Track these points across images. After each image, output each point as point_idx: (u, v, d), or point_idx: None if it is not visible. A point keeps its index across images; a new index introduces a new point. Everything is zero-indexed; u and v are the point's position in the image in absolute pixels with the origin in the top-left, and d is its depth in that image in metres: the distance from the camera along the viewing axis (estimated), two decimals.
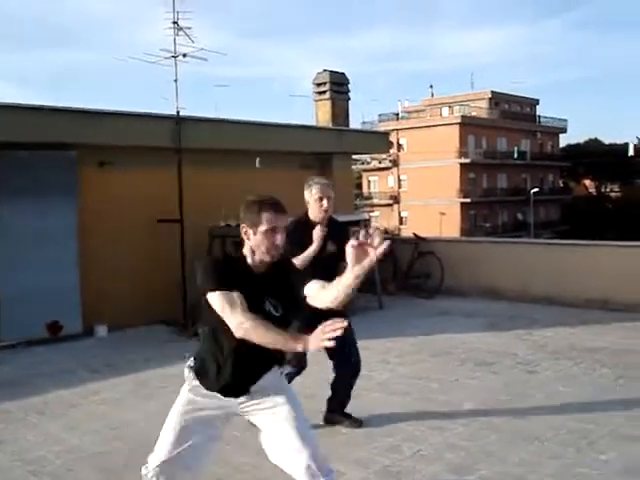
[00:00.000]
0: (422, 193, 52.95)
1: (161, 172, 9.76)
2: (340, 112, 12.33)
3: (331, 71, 12.42)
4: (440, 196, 51.75)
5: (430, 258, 12.00)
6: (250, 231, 3.21)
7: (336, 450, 4.86)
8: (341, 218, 11.01)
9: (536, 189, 53.36)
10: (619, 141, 66.65)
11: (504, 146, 56.94)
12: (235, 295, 3.04)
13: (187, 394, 3.36)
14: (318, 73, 12.53)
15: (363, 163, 60.69)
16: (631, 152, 53.62)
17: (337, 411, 5.52)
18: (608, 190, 67.73)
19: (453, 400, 6.19)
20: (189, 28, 9.55)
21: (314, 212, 5.19)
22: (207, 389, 3.31)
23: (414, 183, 54.62)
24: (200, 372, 3.33)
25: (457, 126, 52.73)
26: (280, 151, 11.36)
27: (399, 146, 55.93)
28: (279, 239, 3.19)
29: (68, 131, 8.88)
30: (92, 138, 9.07)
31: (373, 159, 59.07)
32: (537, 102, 62.69)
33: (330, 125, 12.23)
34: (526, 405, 6.03)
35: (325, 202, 5.14)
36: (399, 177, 56.54)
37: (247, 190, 10.98)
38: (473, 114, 56.04)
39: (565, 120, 64.74)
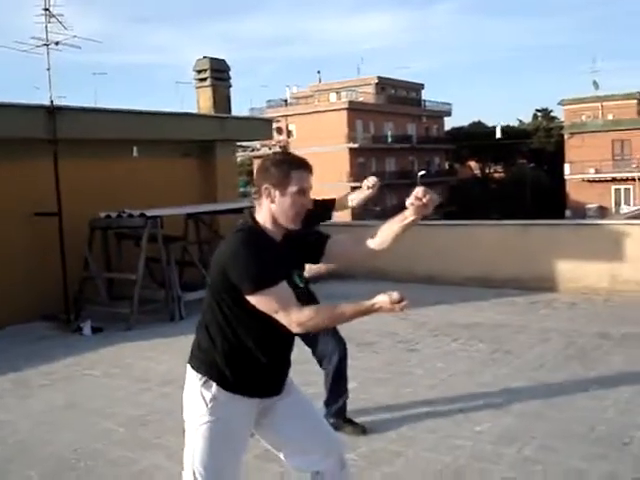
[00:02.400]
0: (313, 179, 53.17)
1: (36, 164, 9.42)
2: (221, 99, 12.25)
3: (211, 58, 12.31)
4: (331, 181, 52.21)
5: None
6: (276, 192, 2.78)
7: None
8: (223, 207, 11.13)
9: (423, 172, 54.60)
10: (502, 123, 69.23)
11: (391, 130, 57.97)
12: (284, 288, 2.68)
13: (221, 419, 2.79)
14: (198, 60, 12.39)
15: (253, 150, 60.50)
16: (498, 134, 55.74)
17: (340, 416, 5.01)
18: (492, 171, 70.12)
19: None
20: (61, 15, 9.28)
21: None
22: (249, 395, 2.84)
23: None
24: (231, 379, 2.80)
25: (345, 111, 53.23)
26: (161, 139, 11.20)
27: (288, 132, 56.06)
28: (309, 202, 2.85)
29: None
30: None
31: (263, 145, 58.94)
32: (422, 87, 64.07)
33: (212, 112, 12.14)
34: (405, 381, 6.23)
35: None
36: None
37: (128, 180, 10.83)
38: (360, 99, 56.75)
39: (450, 104, 66.57)
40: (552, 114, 68.96)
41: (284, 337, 2.83)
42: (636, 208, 39.91)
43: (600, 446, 4.56)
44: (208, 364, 2.81)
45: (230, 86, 12.49)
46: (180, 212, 10.16)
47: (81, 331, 8.93)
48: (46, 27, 9.12)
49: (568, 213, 48.14)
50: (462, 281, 10.88)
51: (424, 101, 63.42)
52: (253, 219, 2.83)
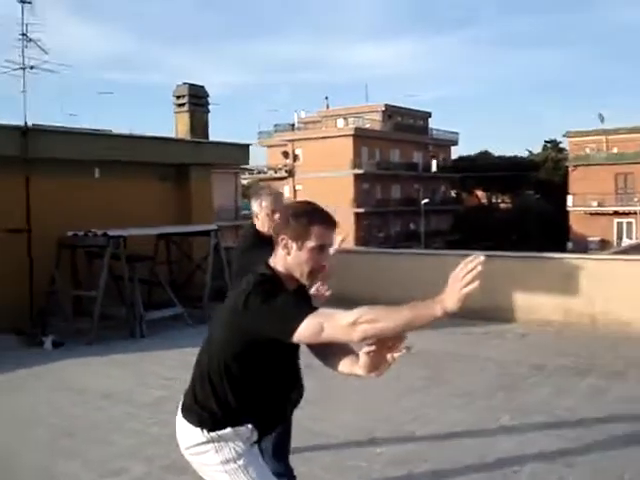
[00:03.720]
0: (318, 203, 53.50)
1: (7, 182, 9.77)
2: (199, 124, 12.62)
3: (190, 84, 12.72)
4: (335, 206, 52.53)
5: None
6: (293, 245, 2.65)
7: None
8: (192, 229, 11.46)
9: (426, 200, 54.87)
10: (508, 154, 69.58)
11: (397, 158, 58.39)
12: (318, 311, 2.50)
13: (244, 454, 2.71)
14: (178, 86, 12.81)
15: (259, 172, 61.05)
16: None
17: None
18: (499, 201, 70.33)
19: None
20: (39, 40, 9.68)
21: (264, 225, 4.44)
22: (258, 434, 2.76)
23: (309, 193, 55.19)
24: (244, 423, 2.69)
25: (351, 137, 53.73)
26: (136, 162, 11.54)
27: (295, 156, 56.59)
28: (326, 259, 2.70)
29: None
30: None
31: (269, 169, 59.51)
32: (429, 115, 64.52)
33: (188, 137, 12.50)
34: (334, 404, 6.46)
35: (277, 216, 4.57)
36: (294, 187, 57.08)
37: (104, 200, 11.09)
38: (367, 126, 57.24)
39: (457, 133, 66.94)
40: (561, 146, 69.21)
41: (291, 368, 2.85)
42: (637, 242, 39.94)
43: (485, 474, 4.78)
44: (211, 418, 2.68)
45: (208, 112, 12.87)
46: (146, 233, 10.48)
47: (42, 345, 9.21)
48: (22, 51, 9.51)
49: (570, 245, 48.20)
50: None
51: (431, 129, 63.84)
52: (269, 267, 2.68)
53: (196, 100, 12.63)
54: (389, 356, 2.54)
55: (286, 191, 57.87)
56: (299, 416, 5.90)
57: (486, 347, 8.97)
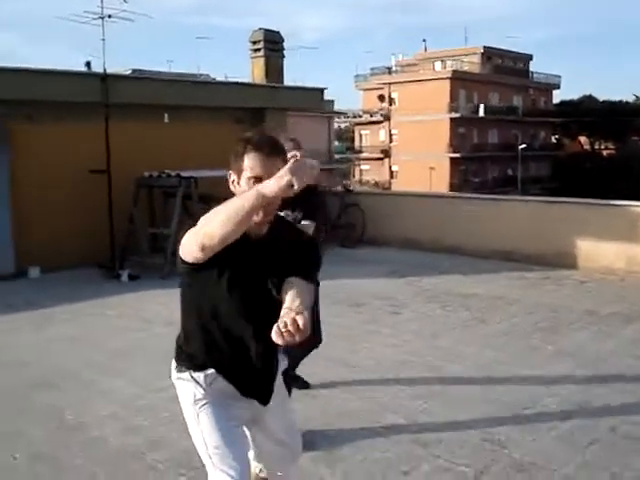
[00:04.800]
0: (413, 147, 53.30)
1: (90, 126, 10.44)
2: (274, 69, 12.94)
3: (266, 30, 13.01)
4: (430, 151, 52.10)
5: (355, 210, 12.74)
6: (236, 179, 2.49)
7: None
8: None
9: (524, 145, 53.57)
10: (614, 98, 66.73)
11: (496, 101, 57.07)
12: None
13: (205, 401, 2.67)
14: (253, 31, 13.13)
15: (355, 116, 60.96)
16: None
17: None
18: (603, 147, 67.83)
19: None
20: None
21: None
22: (219, 372, 2.68)
23: (405, 137, 54.96)
24: (200, 357, 2.68)
25: (448, 80, 52.86)
26: (214, 107, 12.01)
27: (391, 100, 56.18)
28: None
29: None
30: (21, 94, 9.75)
31: (365, 112, 59.33)
32: (530, 58, 62.51)
33: (264, 82, 12.86)
34: (368, 339, 6.82)
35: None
36: (390, 131, 56.85)
37: (176, 143, 11.67)
38: (465, 69, 56.07)
39: (559, 77, 64.72)
40: None
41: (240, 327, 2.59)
42: None
43: (493, 409, 5.06)
44: (178, 353, 2.73)
45: (283, 57, 13.16)
46: (216, 174, 10.92)
47: (120, 278, 9.94)
48: (101, 1, 10.03)
49: None
50: (488, 254, 11.21)
51: (532, 73, 61.86)
52: None
53: (271, 45, 12.94)
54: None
55: (382, 135, 57.77)
56: (335, 348, 6.36)
57: (540, 292, 9.06)
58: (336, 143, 67.51)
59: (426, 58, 58.69)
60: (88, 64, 11.75)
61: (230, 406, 2.66)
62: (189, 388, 2.65)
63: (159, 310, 8.04)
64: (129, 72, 32.19)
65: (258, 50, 12.98)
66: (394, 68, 59.88)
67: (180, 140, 11.37)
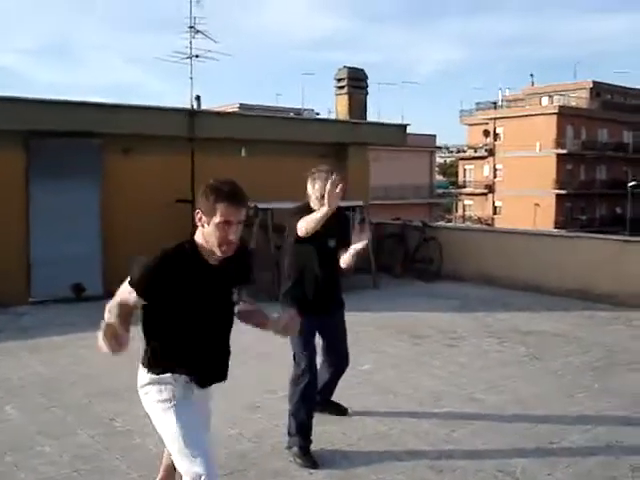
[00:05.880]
0: (517, 183, 52.63)
1: (176, 158, 11.14)
2: (357, 105, 13.37)
3: (349, 67, 13.50)
4: (536, 187, 51.29)
5: (433, 244, 12.91)
6: (204, 219, 3.03)
7: None
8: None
9: (633, 182, 51.86)
10: None
11: (605, 137, 55.64)
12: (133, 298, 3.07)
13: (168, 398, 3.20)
14: (339, 69, 13.64)
15: (459, 151, 60.80)
16: None
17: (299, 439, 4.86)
18: None
19: (357, 361, 7.20)
20: (205, 31, 10.91)
21: (315, 206, 4.83)
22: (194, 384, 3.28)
23: (510, 173, 54.35)
24: (176, 371, 3.22)
25: (555, 116, 52.02)
26: (297, 141, 12.52)
27: (495, 135, 55.76)
28: (233, 234, 3.01)
29: (94, 121, 10.40)
30: (115, 128, 10.55)
31: (469, 147, 59.08)
32: None
33: (347, 118, 13.30)
34: (417, 369, 7.01)
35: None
36: (494, 166, 56.33)
37: (258, 176, 12.25)
38: (573, 104, 55.03)
39: None
40: None
41: (204, 337, 3.22)
42: None
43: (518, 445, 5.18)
44: (148, 361, 3.23)
45: (367, 94, 13.59)
46: (292, 206, 11.39)
47: None
48: (190, 42, 10.77)
49: None
50: (565, 292, 11.14)
51: None
52: (191, 237, 3.11)
53: (355, 83, 13.40)
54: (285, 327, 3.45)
55: (486, 170, 57.32)
56: (383, 375, 6.60)
57: (604, 331, 8.96)
58: (440, 177, 67.54)
59: (533, 93, 58.02)
60: (198, 98, 12.56)
61: (192, 402, 3.22)
62: (162, 389, 3.18)
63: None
64: (237, 106, 33.44)
65: (342, 87, 13.47)
66: (500, 103, 59.45)
67: (262, 172, 11.90)
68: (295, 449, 4.76)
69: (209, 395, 3.44)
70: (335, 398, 5.68)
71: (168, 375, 3.18)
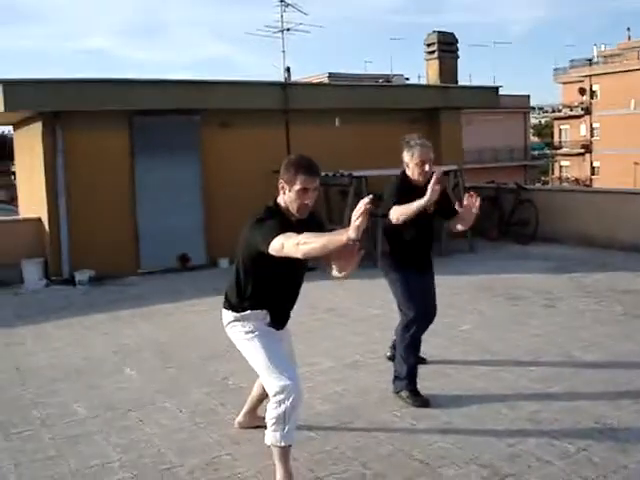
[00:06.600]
0: (616, 142, 50.87)
1: (272, 130, 11.46)
2: (448, 70, 13.33)
3: (439, 32, 13.44)
4: (636, 145, 49.45)
5: (529, 206, 12.84)
6: (286, 187, 3.66)
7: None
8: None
9: None
10: None
11: None
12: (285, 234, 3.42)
13: (253, 329, 3.90)
14: (428, 34, 13.60)
15: (554, 111, 59.13)
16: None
17: (408, 382, 5.17)
18: None
19: (457, 322, 7.41)
20: (296, 5, 11.14)
21: (414, 174, 5.05)
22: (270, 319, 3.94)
23: (608, 132, 52.56)
24: (249, 305, 3.91)
25: None
26: (388, 108, 12.64)
27: (592, 93, 53.94)
28: (309, 199, 3.65)
29: (192, 98, 10.83)
30: (212, 104, 10.94)
31: (564, 107, 57.38)
32: None
33: (438, 83, 13.29)
34: (513, 329, 7.13)
35: (427, 166, 5.00)
36: (591, 125, 54.57)
37: (355, 144, 12.51)
38: None
39: None
40: None
41: (287, 288, 3.92)
42: None
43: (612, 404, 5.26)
44: (236, 303, 3.89)
45: (457, 57, 13.52)
46: (385, 173, 11.54)
47: None
48: (281, 16, 11.04)
49: None
50: None
51: None
52: (274, 201, 3.75)
53: (445, 47, 13.36)
54: (343, 262, 3.67)
55: (582, 130, 55.60)
56: (480, 335, 6.76)
57: None
58: (535, 139, 65.91)
59: (630, 47, 55.64)
60: (288, 69, 12.89)
61: (272, 332, 3.93)
62: (247, 323, 3.88)
63: (324, 298, 8.77)
64: (326, 76, 33.76)
65: (432, 52, 13.45)
66: (595, 59, 57.34)
67: (355, 141, 12.12)
68: (405, 392, 5.13)
69: (286, 334, 4.11)
70: (437, 357, 6.06)
71: (249, 312, 3.86)
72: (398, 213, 4.81)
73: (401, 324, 5.24)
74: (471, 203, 4.81)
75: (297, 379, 3.72)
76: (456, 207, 4.97)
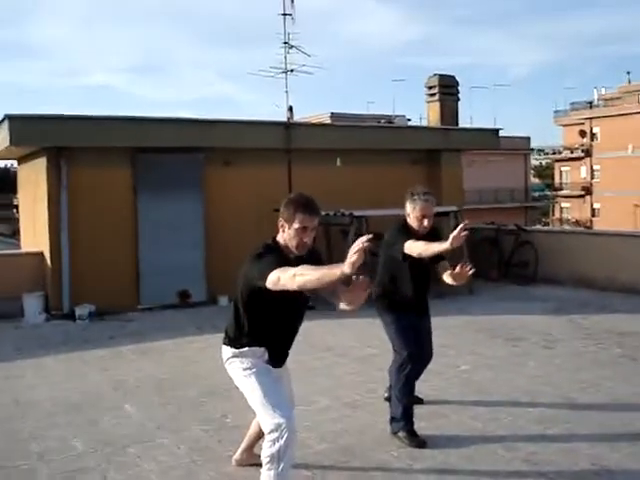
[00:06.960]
0: (616, 184, 51.14)
1: (274, 169, 11.59)
2: (449, 112, 13.53)
3: (440, 75, 13.67)
4: (636, 188, 49.68)
5: (528, 248, 12.91)
6: (286, 225, 3.74)
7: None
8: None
9: None
10: None
11: None
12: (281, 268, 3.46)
13: (252, 366, 3.94)
14: (429, 77, 13.82)
15: (555, 153, 59.55)
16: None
17: (405, 423, 5.21)
18: None
19: (455, 362, 7.43)
20: (300, 46, 11.33)
21: (413, 225, 5.22)
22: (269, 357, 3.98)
23: (608, 174, 52.88)
24: (248, 342, 3.97)
25: None
26: (389, 149, 12.78)
27: (592, 135, 54.37)
28: (308, 237, 3.72)
29: (196, 136, 10.98)
30: (216, 142, 11.09)
31: (565, 149, 57.80)
32: None
33: (439, 125, 13.47)
34: (512, 370, 7.15)
35: (426, 222, 5.16)
36: (592, 167, 54.91)
37: (356, 184, 12.65)
38: None
39: None
40: None
41: (285, 326, 3.98)
42: None
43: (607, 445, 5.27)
44: (235, 339, 3.96)
45: (458, 100, 13.72)
46: (386, 213, 11.64)
47: None
48: (285, 57, 11.20)
49: None
50: None
51: None
52: (273, 239, 3.83)
53: (446, 90, 13.58)
54: (352, 296, 3.62)
55: (583, 172, 55.92)
56: (478, 376, 6.78)
57: None
58: (536, 180, 66.24)
59: (630, 91, 56.23)
60: (290, 108, 13.04)
61: (270, 371, 3.97)
62: (244, 359, 3.92)
63: (324, 338, 8.80)
64: (329, 115, 34.08)
65: (433, 95, 13.66)
66: (596, 102, 57.92)
67: (356, 180, 12.24)
68: (402, 433, 5.15)
69: (285, 372, 4.18)
70: (435, 397, 6.11)
71: (247, 349, 3.91)
72: (416, 247, 4.96)
73: (395, 364, 5.29)
74: (464, 272, 4.98)
75: (292, 418, 3.73)
76: (448, 272, 5.16)
